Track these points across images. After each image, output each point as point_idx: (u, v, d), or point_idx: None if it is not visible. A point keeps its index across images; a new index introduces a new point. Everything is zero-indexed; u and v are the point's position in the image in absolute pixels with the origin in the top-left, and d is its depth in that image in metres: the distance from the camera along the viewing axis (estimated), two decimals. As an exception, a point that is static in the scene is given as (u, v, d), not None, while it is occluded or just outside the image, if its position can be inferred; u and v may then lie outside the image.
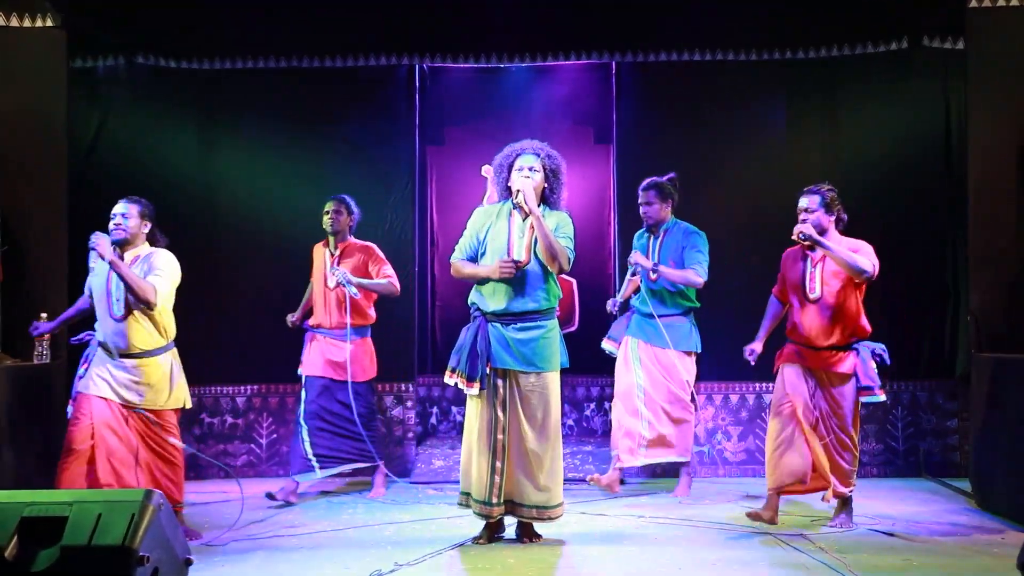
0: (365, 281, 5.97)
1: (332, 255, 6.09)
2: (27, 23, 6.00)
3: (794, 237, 5.04)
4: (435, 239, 8.16)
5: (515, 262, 4.70)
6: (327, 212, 6.10)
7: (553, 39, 6.79)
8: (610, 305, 6.29)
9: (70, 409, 4.99)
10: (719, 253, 6.25)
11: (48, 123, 6.07)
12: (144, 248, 5.06)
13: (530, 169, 4.79)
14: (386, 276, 6.05)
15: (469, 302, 4.93)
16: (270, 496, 5.91)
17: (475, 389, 4.74)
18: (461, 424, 7.48)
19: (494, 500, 4.73)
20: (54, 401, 5.71)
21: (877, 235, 6.69)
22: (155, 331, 5.00)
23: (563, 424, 5.08)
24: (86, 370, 4.97)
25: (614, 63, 6.99)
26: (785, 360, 5.24)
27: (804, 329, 5.12)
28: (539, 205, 4.78)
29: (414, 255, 6.98)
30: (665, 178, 6.08)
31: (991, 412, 5.64)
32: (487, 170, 5.09)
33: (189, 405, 5.21)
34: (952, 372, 6.74)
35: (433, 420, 7.79)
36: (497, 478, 4.73)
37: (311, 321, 6.17)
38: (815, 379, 5.13)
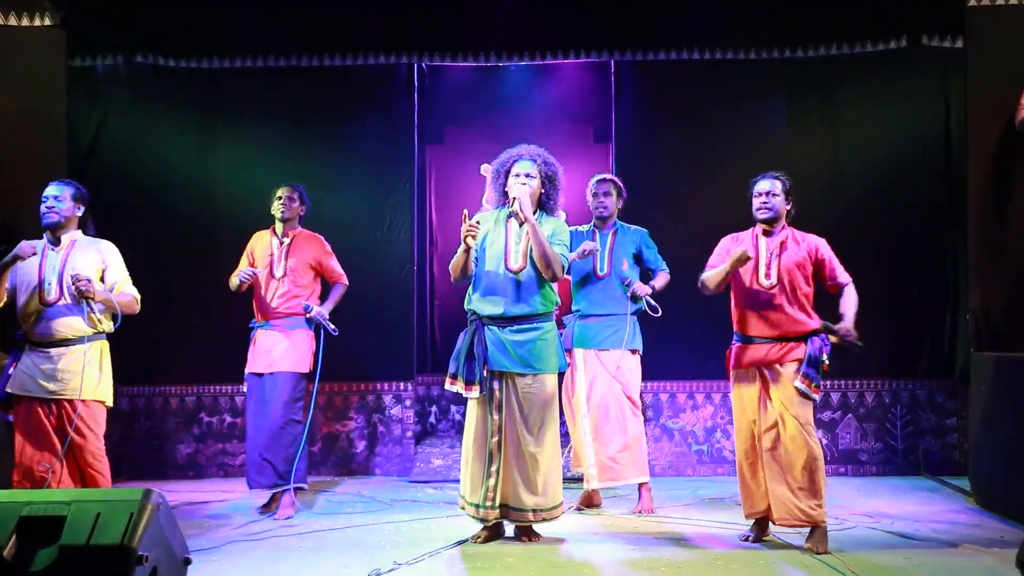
0: (331, 306, 5.75)
1: (280, 243, 5.76)
2: (26, 22, 6.00)
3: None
4: (434, 238, 8.15)
5: (476, 223, 4.65)
6: (279, 198, 5.78)
7: (552, 38, 6.78)
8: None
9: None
10: (718, 252, 6.24)
11: (47, 122, 6.07)
12: (76, 234, 4.89)
13: (527, 176, 4.79)
14: (338, 278, 5.85)
15: (465, 308, 4.92)
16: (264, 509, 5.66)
17: (475, 392, 4.73)
18: (460, 423, 7.52)
19: (488, 503, 4.73)
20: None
21: (877, 234, 6.76)
22: (83, 319, 4.74)
23: (562, 423, 5.06)
24: (15, 369, 4.73)
25: (613, 62, 6.99)
26: (734, 367, 4.85)
27: (755, 317, 4.76)
28: (535, 211, 4.79)
29: (413, 254, 6.98)
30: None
31: (991, 411, 5.64)
32: (486, 169, 5.09)
33: (110, 403, 4.88)
34: (952, 371, 6.74)
35: (432, 419, 7.79)
36: (492, 481, 4.73)
37: (257, 317, 5.77)
38: (763, 384, 4.73)
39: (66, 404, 4.70)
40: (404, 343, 6.89)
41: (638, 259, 5.77)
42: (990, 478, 5.64)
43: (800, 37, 6.72)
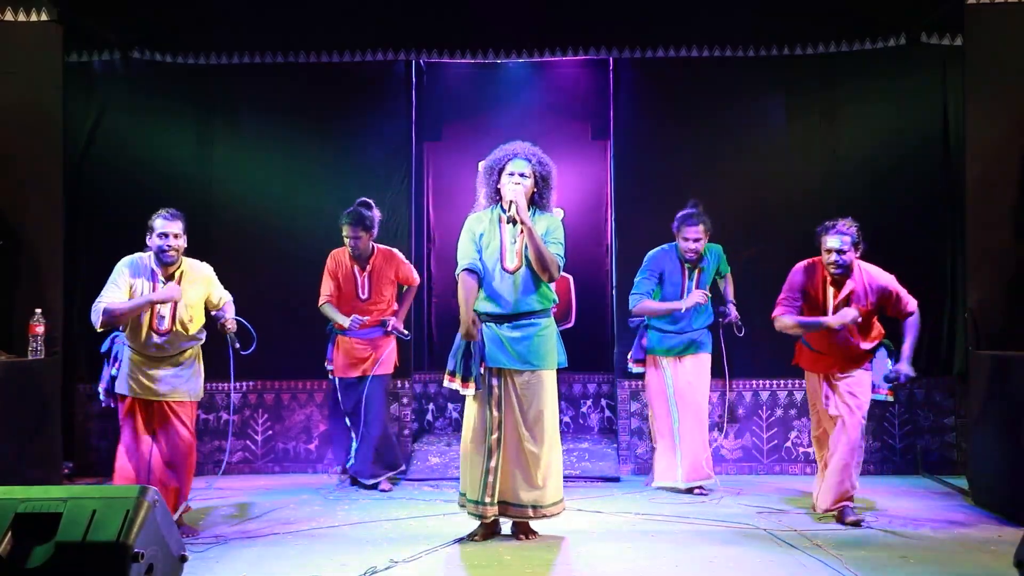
0: (405, 312, 6.42)
1: (362, 271, 6.27)
2: (22, 17, 5.96)
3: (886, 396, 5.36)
4: (432, 235, 8.14)
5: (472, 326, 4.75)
6: (346, 237, 6.22)
7: (551, 34, 6.77)
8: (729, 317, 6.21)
9: (102, 396, 5.09)
10: (717, 251, 6.24)
11: (44, 118, 6.02)
12: (181, 262, 5.08)
13: (520, 175, 4.77)
14: (411, 283, 6.44)
15: None
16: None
17: (471, 389, 4.73)
18: (457, 421, 7.51)
19: (487, 500, 4.72)
20: (47, 396, 5.69)
21: (875, 232, 6.71)
22: (188, 334, 5.07)
23: (559, 421, 5.05)
24: (118, 369, 4.99)
25: (612, 59, 6.97)
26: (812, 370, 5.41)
27: (829, 343, 5.22)
28: (529, 208, 4.77)
29: (411, 252, 6.95)
30: (694, 207, 6.01)
31: (989, 409, 5.63)
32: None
33: (200, 396, 5.24)
34: (950, 369, 6.73)
35: (429, 417, 7.78)
36: (491, 478, 4.72)
37: (338, 325, 6.30)
38: (831, 385, 5.29)
39: (166, 404, 5.00)
40: (402, 341, 6.85)
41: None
42: (988, 477, 5.63)
43: (799, 34, 6.71)
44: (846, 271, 5.15)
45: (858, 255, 5.20)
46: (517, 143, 4.91)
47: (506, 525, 4.94)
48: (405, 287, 6.45)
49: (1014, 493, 5.25)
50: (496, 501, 4.75)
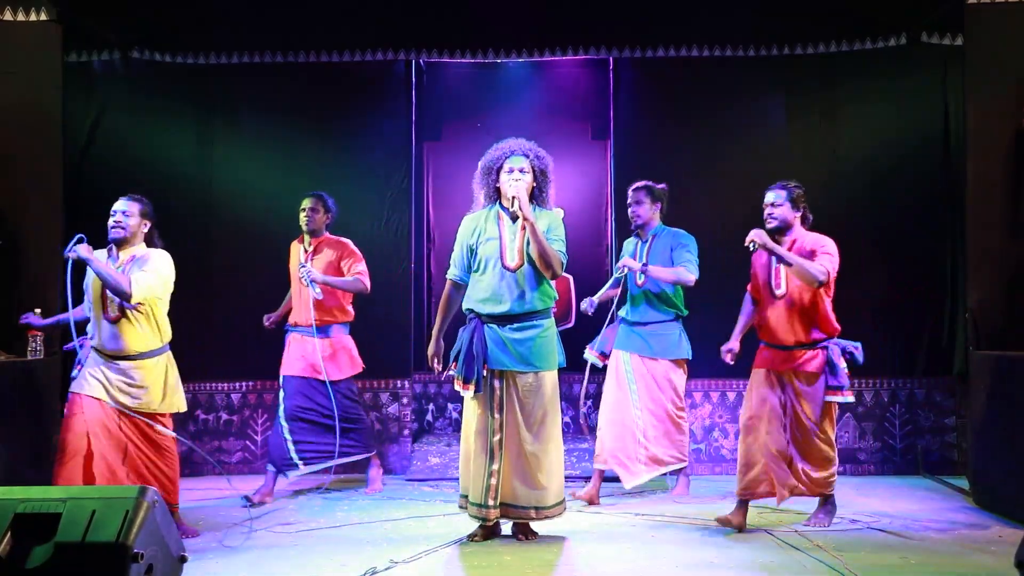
0: (331, 279, 5.90)
1: (307, 251, 6.06)
2: (21, 16, 5.96)
3: (747, 243, 4.96)
4: (432, 235, 8.14)
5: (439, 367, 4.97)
6: (303, 209, 6.06)
7: (550, 34, 6.77)
8: (586, 305, 5.97)
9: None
10: (716, 251, 6.23)
11: (44, 118, 6.02)
12: (140, 248, 5.00)
13: (520, 171, 4.76)
14: (355, 273, 5.98)
15: (464, 308, 4.91)
16: (247, 500, 5.78)
17: (471, 391, 4.73)
18: (457, 421, 7.50)
19: (490, 502, 4.71)
20: (46, 396, 5.68)
21: (875, 232, 6.75)
22: (149, 332, 4.92)
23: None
24: (79, 371, 4.93)
25: (612, 59, 6.97)
26: (756, 366, 5.18)
27: (771, 326, 5.09)
28: (529, 204, 4.76)
29: (410, 252, 6.96)
30: (658, 185, 5.98)
31: (989, 410, 5.63)
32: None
33: (184, 409, 5.11)
34: (950, 369, 6.72)
35: (429, 417, 7.78)
36: (493, 480, 4.71)
37: (290, 320, 6.15)
38: (783, 383, 5.07)
39: (140, 417, 4.86)
40: (401, 341, 6.86)
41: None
42: (988, 477, 5.62)
43: (799, 35, 6.71)
44: (783, 226, 5.06)
45: (798, 215, 5.07)
46: (512, 140, 4.90)
47: (506, 526, 4.93)
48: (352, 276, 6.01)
49: (1015, 493, 5.25)
50: (499, 503, 4.74)
